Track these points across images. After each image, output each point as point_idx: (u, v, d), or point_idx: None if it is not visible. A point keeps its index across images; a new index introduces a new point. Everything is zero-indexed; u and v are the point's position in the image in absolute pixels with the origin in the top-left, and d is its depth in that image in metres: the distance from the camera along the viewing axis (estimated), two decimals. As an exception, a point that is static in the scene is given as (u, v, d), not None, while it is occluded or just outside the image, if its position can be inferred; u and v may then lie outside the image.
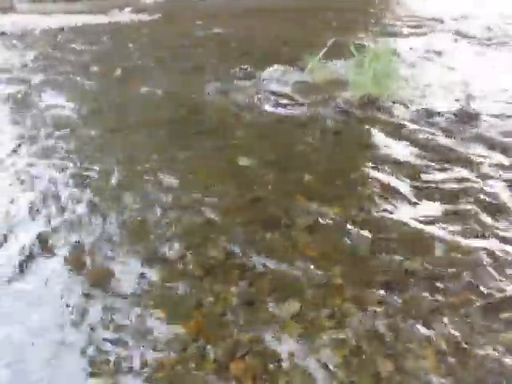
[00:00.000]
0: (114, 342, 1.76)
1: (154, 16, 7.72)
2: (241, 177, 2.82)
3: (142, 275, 2.07)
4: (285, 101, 3.78)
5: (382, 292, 1.96)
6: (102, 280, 2.05)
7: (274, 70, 4.37)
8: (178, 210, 2.49)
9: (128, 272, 2.09)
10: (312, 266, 2.08)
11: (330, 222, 2.38)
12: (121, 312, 1.89)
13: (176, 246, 2.23)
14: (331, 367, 1.65)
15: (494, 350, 1.70)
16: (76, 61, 5.23)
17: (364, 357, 1.69)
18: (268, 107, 3.70)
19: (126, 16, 7.78)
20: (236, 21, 7.15)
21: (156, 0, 9.15)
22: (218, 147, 3.16)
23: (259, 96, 3.85)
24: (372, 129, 3.34)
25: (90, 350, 1.74)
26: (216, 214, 2.46)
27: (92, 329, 1.82)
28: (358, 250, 2.19)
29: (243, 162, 2.94)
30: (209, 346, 1.74)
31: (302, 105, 3.72)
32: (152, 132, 3.42)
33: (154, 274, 2.08)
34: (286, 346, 1.73)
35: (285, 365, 1.67)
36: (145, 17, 7.68)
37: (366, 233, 2.29)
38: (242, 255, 2.16)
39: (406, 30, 6.16)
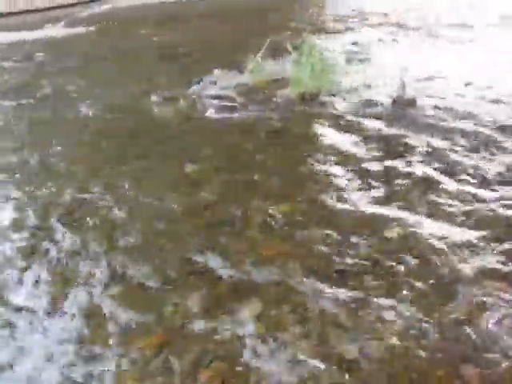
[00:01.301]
0: (76, 363, 1.69)
1: (91, 28, 7.53)
2: (190, 183, 2.80)
3: (99, 291, 2.00)
4: (227, 104, 3.78)
5: (339, 281, 1.99)
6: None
7: (214, 75, 4.37)
8: (131, 222, 2.44)
9: (83, 290, 2.02)
10: (270, 265, 2.08)
11: (283, 219, 2.40)
12: (79, 332, 1.82)
13: (130, 259, 2.17)
14: (298, 361, 1.66)
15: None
16: (5, 81, 5.01)
17: (328, 346, 1.71)
18: (211, 112, 3.69)
19: (60, 30, 7.55)
20: (173, 27, 7.11)
21: (91, 12, 8.93)
22: (164, 156, 3.13)
23: (202, 101, 3.83)
24: (314, 123, 3.41)
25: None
26: (169, 222, 2.42)
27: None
28: (312, 242, 2.22)
29: (191, 168, 2.92)
30: (173, 359, 1.70)
31: (245, 106, 3.74)
32: (96, 146, 3.34)
33: (109, 290, 2.01)
34: (252, 347, 1.72)
35: (253, 366, 1.66)
36: (81, 30, 7.47)
37: (318, 226, 2.32)
38: (198, 261, 2.13)
39: (341, 26, 6.34)
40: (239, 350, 1.72)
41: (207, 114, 3.66)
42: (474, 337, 1.69)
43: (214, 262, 2.13)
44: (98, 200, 2.66)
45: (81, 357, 1.73)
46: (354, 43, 5.36)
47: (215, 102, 3.80)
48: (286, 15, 7.28)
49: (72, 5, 9.56)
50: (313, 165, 2.89)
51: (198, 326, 1.82)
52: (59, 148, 3.34)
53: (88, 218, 2.50)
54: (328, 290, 1.95)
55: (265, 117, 3.56)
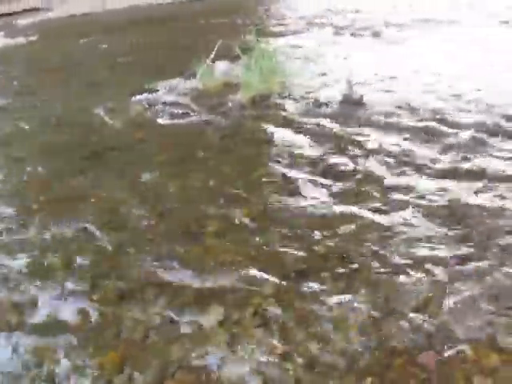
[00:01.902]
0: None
1: (33, 38, 7.27)
2: (146, 193, 2.76)
3: (54, 311, 1.94)
4: (179, 110, 3.75)
5: (299, 280, 2.02)
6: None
7: (165, 81, 4.32)
8: (86, 237, 2.38)
9: (39, 309, 1.95)
10: (229, 270, 2.08)
11: (240, 222, 2.40)
12: (34, 355, 1.76)
13: (86, 275, 2.12)
14: (264, 364, 1.67)
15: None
16: None
17: (293, 346, 1.73)
18: (163, 119, 3.65)
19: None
20: (122, 34, 6.97)
21: (33, 20, 8.63)
22: (117, 167, 3.07)
23: (152, 109, 3.79)
24: (267, 126, 3.44)
25: None
26: (126, 234, 2.38)
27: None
28: (270, 244, 2.24)
29: (145, 177, 2.88)
30: (136, 373, 1.68)
31: (197, 112, 3.73)
32: (45, 159, 3.24)
33: (66, 308, 1.96)
34: (217, 354, 1.72)
35: (218, 373, 1.66)
36: (22, 40, 7.20)
37: (275, 227, 2.34)
38: (157, 272, 2.11)
39: (289, 28, 6.42)
40: (204, 358, 1.71)
41: (159, 122, 3.62)
42: (427, 324, 1.76)
43: (172, 271, 2.11)
44: (46, 217, 2.58)
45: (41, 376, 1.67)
46: (304, 45, 5.45)
47: (166, 108, 3.77)
48: (235, 18, 7.31)
49: (14, 13, 9.19)
50: (267, 167, 2.92)
51: (160, 336, 1.80)
52: None
53: (37, 237, 2.42)
54: (287, 291, 1.98)
55: (217, 121, 3.56)
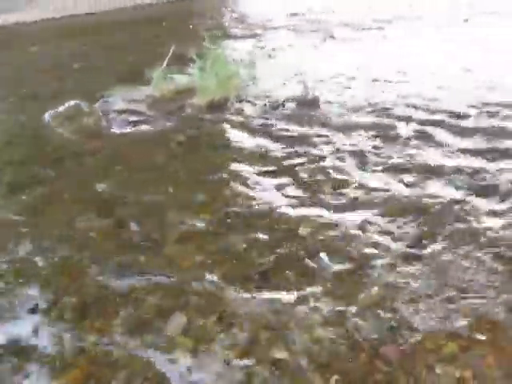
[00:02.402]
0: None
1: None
2: (101, 203, 2.69)
3: (11, 331, 1.86)
4: (135, 118, 3.69)
5: (262, 283, 2.02)
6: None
7: (118, 89, 4.24)
8: (40, 252, 2.30)
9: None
10: (191, 276, 2.06)
11: (202, 228, 2.39)
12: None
13: (43, 293, 2.05)
14: (229, 370, 1.66)
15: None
16: None
17: (258, 349, 1.73)
18: (117, 127, 3.58)
19: None
20: (72, 40, 6.80)
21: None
22: (72, 178, 2.98)
23: (106, 117, 3.71)
24: (225, 130, 3.44)
25: None
26: (82, 247, 2.31)
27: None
28: (232, 248, 2.23)
29: (101, 187, 2.81)
30: (100, 389, 1.63)
31: (153, 119, 3.68)
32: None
33: (22, 329, 1.88)
34: (180, 363, 1.69)
35: (182, 381, 1.64)
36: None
37: (237, 230, 2.34)
38: (117, 284, 2.06)
39: (244, 31, 6.44)
40: (169, 368, 1.68)
41: (113, 130, 3.55)
42: (388, 318, 1.80)
43: (134, 281, 2.07)
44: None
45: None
46: (260, 47, 5.48)
47: (121, 116, 3.70)
48: (189, 22, 7.27)
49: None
50: (226, 171, 2.91)
51: (123, 350, 1.76)
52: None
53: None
54: (252, 292, 1.97)
55: (174, 128, 3.52)
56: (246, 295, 1.95)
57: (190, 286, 2.01)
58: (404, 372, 1.61)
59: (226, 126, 3.49)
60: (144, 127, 3.57)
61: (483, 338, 1.71)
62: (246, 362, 1.67)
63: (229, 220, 2.45)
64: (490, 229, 2.26)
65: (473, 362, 1.63)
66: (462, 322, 1.76)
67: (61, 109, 3.76)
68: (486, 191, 2.55)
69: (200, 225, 2.41)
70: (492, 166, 2.77)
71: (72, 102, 3.75)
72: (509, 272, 2.00)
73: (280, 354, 1.70)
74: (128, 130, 3.56)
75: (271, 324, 1.82)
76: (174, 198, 2.68)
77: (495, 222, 2.30)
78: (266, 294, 1.96)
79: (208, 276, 2.06)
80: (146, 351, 1.74)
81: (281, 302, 1.92)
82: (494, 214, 2.37)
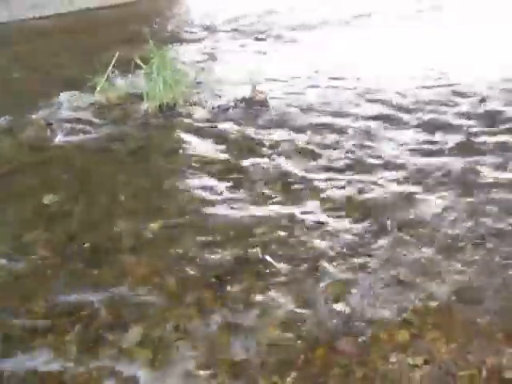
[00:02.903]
0: None
1: None
2: (51, 216, 2.60)
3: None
4: (80, 126, 3.58)
5: (220, 285, 2.02)
6: None
7: (62, 97, 4.10)
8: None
9: None
10: (145, 286, 2.03)
11: (154, 236, 2.35)
12: None
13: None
14: (189, 378, 1.65)
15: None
16: None
17: (217, 354, 1.72)
18: (63, 137, 3.46)
19: None
20: (10, 47, 6.50)
21: None
22: (16, 191, 2.86)
23: (51, 127, 3.58)
24: (175, 135, 3.40)
25: None
26: (31, 263, 2.22)
27: None
28: (187, 253, 2.21)
29: (49, 199, 2.71)
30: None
31: (100, 126, 3.59)
32: None
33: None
34: (139, 376, 1.66)
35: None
36: None
37: (190, 236, 2.33)
38: (70, 300, 2.00)
39: (191, 34, 6.38)
40: (126, 381, 1.65)
41: (58, 140, 3.43)
42: (342, 312, 1.85)
43: (87, 295, 2.01)
44: None
45: None
46: (207, 51, 5.45)
47: (66, 125, 3.58)
48: (134, 27, 7.12)
49: None
50: (178, 176, 2.89)
51: (78, 367, 1.70)
52: None
53: None
54: (209, 297, 1.97)
55: (123, 135, 3.45)
56: (204, 300, 1.95)
57: (146, 296, 1.98)
58: (360, 364, 1.66)
59: (176, 131, 3.45)
60: (91, 135, 3.47)
61: (433, 323, 1.79)
62: (204, 369, 1.67)
63: (183, 225, 2.43)
64: (434, 219, 2.36)
65: (424, 347, 1.70)
66: (413, 310, 1.84)
67: (1, 118, 3.60)
68: (429, 184, 2.66)
69: (153, 232, 2.37)
70: (433, 159, 2.90)
71: (14, 111, 3.59)
72: (453, 259, 2.10)
73: (238, 358, 1.71)
74: (74, 139, 3.45)
75: (230, 328, 1.82)
76: (125, 206, 2.63)
77: (439, 214, 2.41)
78: (223, 298, 1.96)
79: (164, 284, 2.04)
80: (103, 365, 1.70)
81: (237, 304, 1.92)
82: (438, 206, 2.47)
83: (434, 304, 1.87)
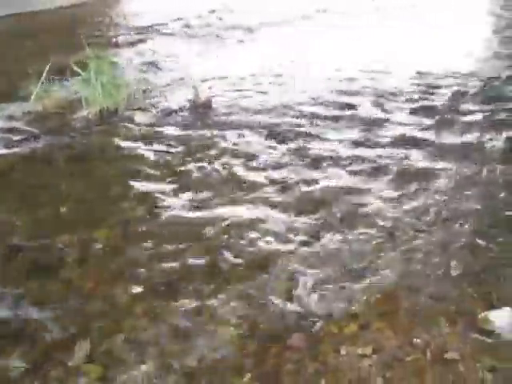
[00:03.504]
0: None
1: None
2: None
3: None
4: (17, 137, 3.42)
5: (169, 292, 1.99)
6: None
7: (-5, 106, 3.90)
8: None
9: None
10: (93, 298, 1.97)
11: (100, 246, 2.29)
12: None
13: None
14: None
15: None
16: None
17: (170, 362, 1.70)
18: (-2, 148, 3.30)
19: None
20: None
21: None
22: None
23: (-16, 139, 3.40)
24: (117, 141, 3.32)
25: None
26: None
27: None
28: (133, 262, 2.17)
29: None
30: None
31: (38, 136, 3.44)
32: None
33: None
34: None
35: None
36: None
37: (138, 243, 2.28)
38: (12, 318, 1.90)
39: (134, 37, 6.23)
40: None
41: (-6, 152, 3.26)
42: (293, 308, 1.88)
43: (30, 311, 1.92)
44: None
45: None
46: (149, 54, 5.36)
47: (1, 136, 3.41)
48: (73, 31, 6.88)
49: None
50: (122, 183, 2.82)
51: (25, 387, 1.63)
52: None
53: None
54: (160, 305, 1.94)
55: (62, 143, 3.33)
56: (154, 308, 1.91)
57: (93, 309, 1.92)
58: (312, 359, 1.69)
59: (118, 138, 3.37)
60: (29, 145, 3.32)
61: (379, 312, 1.85)
62: (157, 377, 1.64)
63: (129, 234, 2.37)
64: (376, 210, 2.44)
65: (372, 337, 1.75)
66: (360, 301, 1.89)
67: None
68: (369, 176, 2.75)
69: (99, 242, 2.31)
70: (373, 153, 3.01)
71: None
72: (396, 248, 2.18)
73: (191, 364, 1.70)
74: (11, 150, 3.29)
75: (182, 335, 1.81)
76: (68, 217, 2.54)
77: (383, 205, 2.50)
78: (174, 303, 1.94)
79: (111, 295, 1.99)
80: (51, 385, 1.64)
81: (188, 310, 1.91)
82: (379, 197, 2.56)
83: (379, 293, 1.93)
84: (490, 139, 3.11)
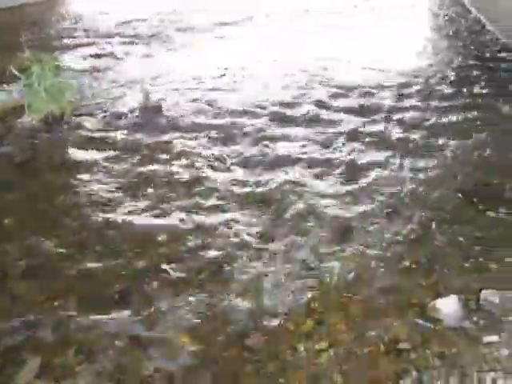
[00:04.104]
0: None
1: None
2: None
3: None
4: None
5: (120, 302, 1.95)
6: None
7: None
8: None
9: None
10: (42, 311, 1.90)
11: (51, 255, 2.21)
12: None
13: None
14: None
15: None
16: None
17: (126, 370, 1.67)
18: None
19: None
20: None
21: None
22: None
23: None
24: (63, 148, 3.21)
25: None
26: None
27: None
28: (87, 270, 2.11)
29: None
30: None
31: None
32: None
33: None
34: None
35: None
36: None
37: (91, 250, 2.23)
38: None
39: (79, 40, 6.04)
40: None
41: None
42: (250, 308, 1.89)
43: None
44: None
45: None
46: (96, 57, 5.21)
47: None
48: (14, 34, 6.57)
49: None
50: (69, 190, 2.74)
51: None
52: None
53: None
54: (113, 313, 1.89)
55: (6, 151, 3.18)
56: (106, 318, 1.87)
57: (42, 322, 1.85)
58: (271, 358, 1.70)
59: (65, 144, 3.26)
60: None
61: (335, 307, 1.89)
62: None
63: (81, 241, 2.31)
64: (326, 208, 2.49)
65: (328, 332, 1.79)
66: (315, 298, 1.93)
67: None
68: (318, 173, 2.81)
69: (47, 253, 2.22)
70: (322, 151, 3.07)
71: None
72: (348, 242, 2.23)
73: (148, 371, 1.67)
74: None
75: (137, 342, 1.77)
76: (14, 228, 2.43)
77: (330, 202, 2.55)
78: (127, 313, 1.90)
79: (62, 306, 1.92)
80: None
81: (144, 317, 1.87)
82: (329, 195, 2.62)
83: (333, 289, 1.98)
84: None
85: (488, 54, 4.73)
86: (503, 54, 4.68)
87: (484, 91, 3.91)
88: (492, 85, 3.99)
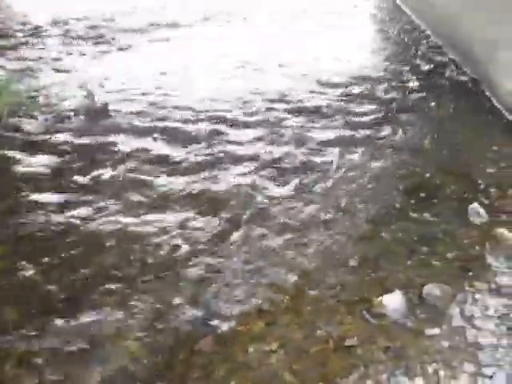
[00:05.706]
0: None
1: None
2: None
3: None
4: None
5: (68, 310, 1.88)
6: None
7: None
8: None
9: None
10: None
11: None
12: None
13: None
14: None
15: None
16: None
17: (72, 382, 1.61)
18: None
19: None
20: None
21: None
22: None
23: None
24: (3, 151, 3.05)
25: None
26: None
27: None
28: (29, 280, 2.01)
29: None
30: None
31: None
32: None
33: None
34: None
35: None
36: None
37: (33, 258, 2.13)
38: None
39: (14, 40, 5.75)
40: None
41: None
42: (200, 312, 1.87)
43: None
44: None
45: None
46: (36, 56, 4.98)
47: None
48: None
49: None
50: (11, 197, 2.60)
51: None
52: None
53: None
54: (57, 323, 1.82)
55: None
56: (50, 328, 1.79)
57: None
58: (221, 361, 1.69)
59: (2, 148, 3.09)
60: None
61: (285, 308, 1.90)
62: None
63: (23, 250, 2.20)
64: (279, 208, 2.51)
65: (279, 332, 1.80)
66: (267, 299, 1.93)
67: None
68: (273, 176, 2.83)
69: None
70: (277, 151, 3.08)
71: None
72: (299, 245, 2.26)
73: (94, 380, 1.61)
74: None
75: (84, 351, 1.71)
76: None
77: (285, 202, 2.57)
78: (74, 320, 1.82)
79: (3, 317, 1.82)
80: None
81: (91, 325, 1.81)
82: (281, 195, 2.64)
83: (285, 290, 1.99)
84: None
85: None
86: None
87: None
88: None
